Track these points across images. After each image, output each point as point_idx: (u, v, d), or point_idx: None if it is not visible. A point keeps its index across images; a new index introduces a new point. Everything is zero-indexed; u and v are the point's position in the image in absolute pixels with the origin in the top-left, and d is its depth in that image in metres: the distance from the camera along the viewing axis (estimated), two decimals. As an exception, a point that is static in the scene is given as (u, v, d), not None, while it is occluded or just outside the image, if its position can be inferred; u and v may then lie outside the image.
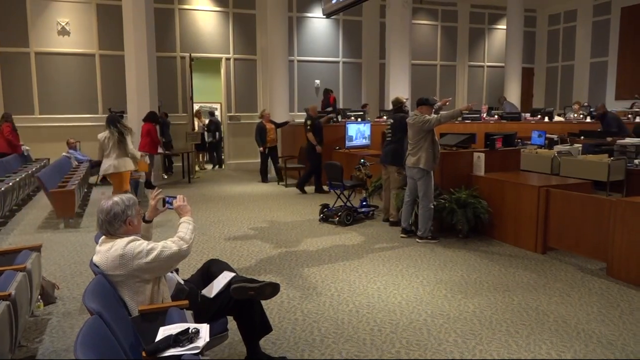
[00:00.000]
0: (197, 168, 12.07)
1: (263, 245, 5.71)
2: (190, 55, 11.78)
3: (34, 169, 8.85)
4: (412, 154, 5.76)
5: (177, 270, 3.01)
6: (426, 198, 5.69)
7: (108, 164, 6.32)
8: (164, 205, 2.91)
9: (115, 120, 6.44)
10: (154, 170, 9.94)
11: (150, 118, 9.48)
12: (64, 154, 9.77)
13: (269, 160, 10.27)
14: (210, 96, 14.65)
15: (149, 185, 9.40)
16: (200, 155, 12.86)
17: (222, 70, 12.58)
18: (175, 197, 2.90)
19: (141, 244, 2.54)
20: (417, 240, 5.76)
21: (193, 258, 5.03)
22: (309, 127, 9.06)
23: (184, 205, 2.88)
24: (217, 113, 15.00)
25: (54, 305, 4.04)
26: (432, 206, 5.71)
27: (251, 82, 12.78)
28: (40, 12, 11.00)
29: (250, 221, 6.93)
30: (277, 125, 10.13)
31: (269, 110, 10.92)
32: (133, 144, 6.67)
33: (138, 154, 6.66)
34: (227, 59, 12.53)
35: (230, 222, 6.91)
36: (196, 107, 12.67)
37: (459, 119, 10.58)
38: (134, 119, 10.01)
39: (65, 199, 6.62)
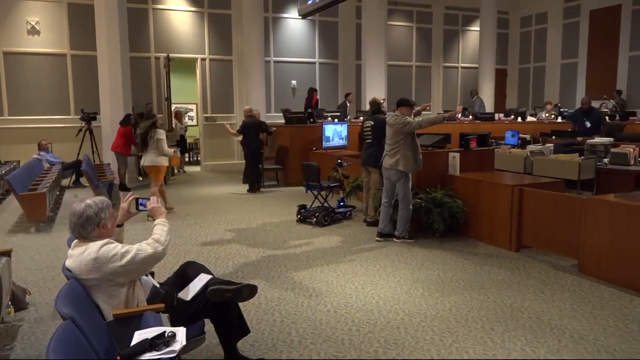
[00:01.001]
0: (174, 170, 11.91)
1: (240, 247, 5.68)
2: (168, 55, 11.64)
3: (3, 172, 8.62)
4: (390, 155, 5.74)
5: (152, 273, 2.97)
6: (405, 200, 5.70)
7: (142, 159, 7.23)
8: (137, 208, 2.86)
9: (144, 118, 7.30)
10: (128, 172, 9.79)
11: (125, 121, 9.40)
12: (34, 156, 9.55)
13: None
14: (185, 97, 14.50)
15: (123, 187, 9.25)
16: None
17: (198, 71, 12.47)
18: (148, 199, 2.86)
19: (115, 247, 2.50)
20: (395, 240, 5.80)
21: (169, 260, 4.97)
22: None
23: (157, 206, 2.84)
24: (193, 114, 14.85)
25: (25, 311, 3.94)
26: (411, 207, 5.74)
27: (227, 83, 12.70)
28: (9, 10, 10.72)
29: (227, 223, 6.88)
30: (268, 133, 9.99)
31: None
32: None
33: (169, 151, 7.16)
34: (203, 60, 12.42)
35: (206, 224, 6.85)
36: (174, 107, 12.50)
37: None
38: (107, 119, 9.85)
39: (36, 202, 6.47)
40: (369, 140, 6.50)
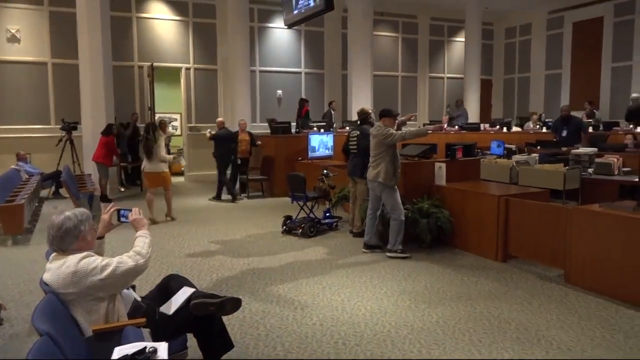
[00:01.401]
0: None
1: (224, 259, 5.63)
2: (151, 64, 11.59)
3: (-20, 183, 8.45)
4: (373, 166, 5.70)
5: (134, 287, 2.92)
6: (395, 210, 5.61)
7: (143, 165, 7.81)
8: (118, 219, 2.82)
9: (148, 128, 7.64)
10: (110, 183, 9.68)
11: (107, 131, 9.33)
12: (12, 166, 9.40)
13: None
14: (169, 106, 14.43)
15: (104, 199, 9.14)
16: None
17: (182, 80, 12.43)
18: (130, 210, 2.82)
19: (95, 260, 2.46)
20: (387, 254, 5.66)
21: (151, 274, 4.91)
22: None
23: (139, 218, 2.80)
24: (177, 124, 14.76)
25: (0, 327, 3.84)
26: (403, 218, 5.62)
27: (212, 92, 12.68)
28: (-12, 18, 10.61)
29: (211, 235, 6.83)
30: (252, 143, 9.96)
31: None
32: None
33: (168, 157, 7.75)
34: (187, 69, 12.39)
35: (190, 235, 6.79)
36: (157, 117, 12.41)
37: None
38: (88, 129, 9.74)
39: (13, 214, 6.35)
40: (354, 151, 6.51)
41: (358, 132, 6.50)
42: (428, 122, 13.52)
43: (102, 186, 9.30)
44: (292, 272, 5.15)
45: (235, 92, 11.53)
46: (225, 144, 9.39)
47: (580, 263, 4.62)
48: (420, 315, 4.03)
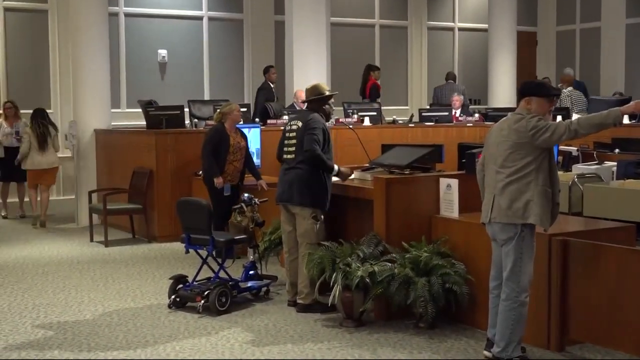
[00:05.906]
0: None
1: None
2: None
3: None
4: (510, 195, 5.21)
5: None
6: (513, 280, 5.20)
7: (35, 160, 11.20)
8: None
9: (38, 114, 11.22)
10: None
11: None
12: None
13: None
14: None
15: None
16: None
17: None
18: None
19: None
20: None
21: None
22: None
23: None
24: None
25: None
26: (525, 298, 5.25)
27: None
28: None
29: (39, 312, 6.74)
30: None
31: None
32: None
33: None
34: None
35: (1, 314, 6.68)
36: None
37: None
38: None
39: None
40: (290, 156, 6.58)
41: (300, 124, 6.56)
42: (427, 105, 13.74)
43: None
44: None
45: (77, 57, 11.30)
46: None
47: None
48: None
